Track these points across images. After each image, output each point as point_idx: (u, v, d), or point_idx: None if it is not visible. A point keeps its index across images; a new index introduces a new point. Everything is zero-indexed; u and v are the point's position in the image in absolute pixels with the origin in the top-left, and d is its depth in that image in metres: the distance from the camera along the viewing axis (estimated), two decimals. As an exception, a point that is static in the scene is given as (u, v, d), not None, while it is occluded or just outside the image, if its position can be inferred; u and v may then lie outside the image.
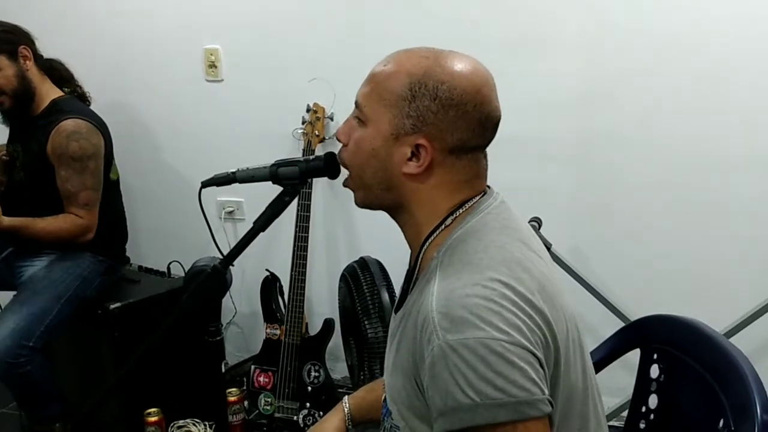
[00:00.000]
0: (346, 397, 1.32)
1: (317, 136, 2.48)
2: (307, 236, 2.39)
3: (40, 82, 2.27)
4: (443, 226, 0.98)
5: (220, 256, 1.24)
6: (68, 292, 2.20)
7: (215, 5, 2.64)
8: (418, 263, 1.01)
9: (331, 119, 2.51)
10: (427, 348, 0.86)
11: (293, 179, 1.17)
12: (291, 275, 2.39)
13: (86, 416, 1.96)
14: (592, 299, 2.21)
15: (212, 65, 2.67)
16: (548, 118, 2.31)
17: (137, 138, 2.75)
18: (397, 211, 1.03)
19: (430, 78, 0.95)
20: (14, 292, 2.24)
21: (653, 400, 1.26)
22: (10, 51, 2.20)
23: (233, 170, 1.20)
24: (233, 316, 2.80)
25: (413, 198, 1.00)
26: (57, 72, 2.34)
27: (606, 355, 1.37)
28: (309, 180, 1.21)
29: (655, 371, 1.25)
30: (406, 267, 1.08)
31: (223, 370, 2.37)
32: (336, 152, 1.11)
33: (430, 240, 0.99)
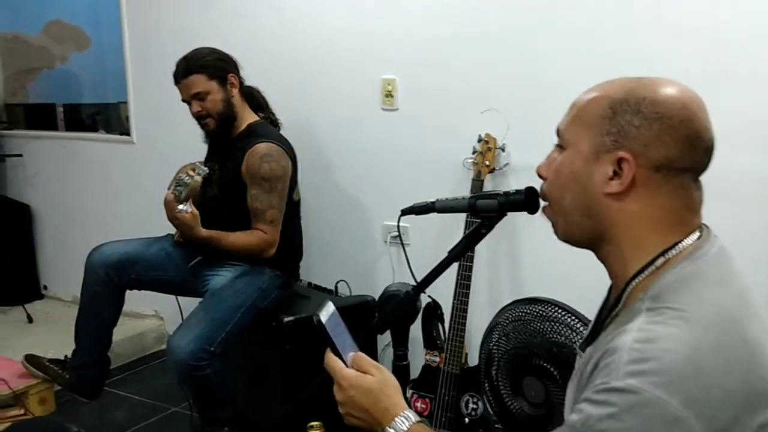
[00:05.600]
0: None
1: (487, 166, 2.48)
2: (472, 266, 2.39)
3: (241, 107, 2.47)
4: (653, 267, 0.93)
5: (413, 282, 1.27)
6: (248, 302, 2.34)
7: (394, 38, 2.73)
8: (621, 301, 0.97)
9: (503, 150, 2.50)
10: (602, 376, 0.84)
11: (491, 212, 1.18)
12: (453, 304, 2.40)
13: (279, 424, 2.04)
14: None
15: (389, 95, 2.77)
16: (737, 156, 2.16)
17: (314, 160, 2.88)
18: (600, 241, 0.99)
19: (632, 95, 0.93)
20: (199, 299, 2.41)
21: None
22: (221, 77, 2.41)
23: (432, 200, 1.22)
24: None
25: (616, 223, 0.95)
26: (255, 99, 2.54)
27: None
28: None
29: None
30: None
31: (408, 394, 2.41)
32: (523, 186, 1.13)
33: (637, 280, 0.94)
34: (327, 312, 1.03)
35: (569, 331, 1.94)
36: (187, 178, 2.23)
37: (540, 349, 2.00)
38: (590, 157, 0.95)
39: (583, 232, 1.00)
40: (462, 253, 1.20)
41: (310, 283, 2.76)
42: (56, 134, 3.91)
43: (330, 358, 1.05)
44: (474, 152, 2.51)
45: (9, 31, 4.00)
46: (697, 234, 0.96)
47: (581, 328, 1.92)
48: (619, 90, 0.95)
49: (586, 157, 0.95)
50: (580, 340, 1.08)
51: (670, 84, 0.95)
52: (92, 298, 2.49)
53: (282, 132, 2.57)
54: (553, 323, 2.00)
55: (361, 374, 1.04)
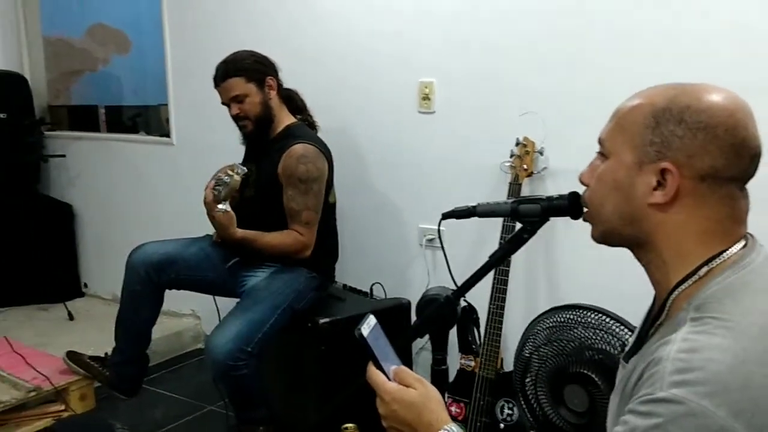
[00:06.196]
0: None
1: (525, 170, 2.46)
2: (509, 270, 2.37)
3: (278, 109, 2.49)
4: (696, 276, 0.92)
5: (451, 286, 1.26)
6: (284, 303, 2.36)
7: (432, 41, 2.73)
8: (665, 311, 0.96)
9: (541, 154, 2.47)
10: (646, 387, 0.83)
11: (533, 217, 1.17)
12: (489, 308, 2.38)
13: (315, 426, 2.05)
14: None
15: (426, 97, 2.76)
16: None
17: (351, 162, 2.89)
18: (639, 247, 0.98)
19: (675, 104, 0.91)
20: (236, 299, 2.44)
21: None
22: (259, 80, 2.43)
23: (473, 204, 1.22)
24: (426, 342, 2.84)
25: (658, 233, 0.94)
26: (293, 102, 2.56)
27: None
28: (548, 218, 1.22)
29: None
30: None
31: (445, 398, 2.41)
32: (562, 190, 1.13)
33: (680, 289, 0.93)
34: (369, 325, 1.03)
35: (611, 337, 1.91)
36: (226, 177, 2.25)
37: (581, 356, 1.98)
38: (633, 167, 0.94)
39: (623, 238, 0.99)
40: (503, 258, 1.20)
41: (345, 285, 2.77)
42: (98, 135, 3.98)
43: (372, 371, 1.04)
44: (512, 156, 2.49)
45: (53, 35, 4.09)
46: (742, 243, 0.94)
47: (623, 334, 1.89)
48: (661, 98, 0.93)
49: (630, 167, 0.94)
50: (622, 346, 1.06)
51: (715, 90, 0.92)
52: (132, 297, 2.53)
53: (319, 134, 2.58)
54: (594, 329, 1.97)
55: (403, 388, 1.03)
